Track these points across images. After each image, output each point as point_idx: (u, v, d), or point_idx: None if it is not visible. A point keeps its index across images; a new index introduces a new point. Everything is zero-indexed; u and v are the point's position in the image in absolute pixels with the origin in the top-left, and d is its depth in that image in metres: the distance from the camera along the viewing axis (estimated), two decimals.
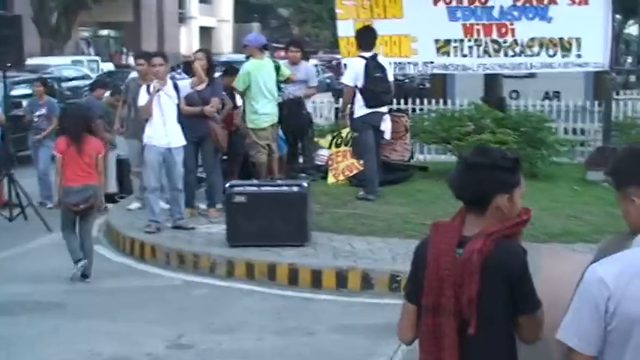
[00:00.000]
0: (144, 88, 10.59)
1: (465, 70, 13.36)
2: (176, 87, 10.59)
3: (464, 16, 13.06)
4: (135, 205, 11.96)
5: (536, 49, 12.88)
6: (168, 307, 8.41)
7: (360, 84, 11.47)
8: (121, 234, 10.71)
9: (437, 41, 13.18)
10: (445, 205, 10.86)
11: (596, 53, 12.71)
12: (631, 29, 39.92)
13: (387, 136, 12.10)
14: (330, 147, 13.23)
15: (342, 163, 12.81)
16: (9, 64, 12.73)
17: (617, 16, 13.38)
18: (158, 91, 10.33)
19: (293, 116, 12.47)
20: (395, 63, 13.13)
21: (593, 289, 2.77)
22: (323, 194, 11.47)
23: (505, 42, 12.94)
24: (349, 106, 11.84)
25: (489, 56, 13.04)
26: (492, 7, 12.92)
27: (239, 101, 12.02)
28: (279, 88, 12.05)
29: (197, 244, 9.87)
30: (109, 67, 32.67)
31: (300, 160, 13.14)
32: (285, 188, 9.74)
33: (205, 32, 60.21)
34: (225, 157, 12.14)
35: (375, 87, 11.50)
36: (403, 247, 9.34)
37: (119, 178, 13.41)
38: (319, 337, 7.48)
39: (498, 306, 3.36)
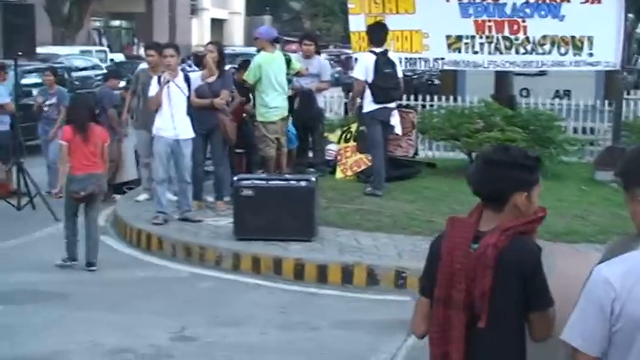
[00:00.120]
0: (155, 79, 10.59)
1: (476, 66, 13.34)
2: (187, 79, 10.59)
3: (476, 13, 13.04)
4: (143, 196, 11.97)
5: (547, 47, 12.85)
6: (173, 299, 8.42)
7: (369, 79, 11.45)
8: (128, 225, 10.72)
9: (448, 37, 13.16)
10: (452, 203, 10.90)
11: (607, 52, 12.69)
12: None
13: (398, 130, 12.09)
14: (339, 142, 13.22)
15: (351, 159, 12.80)
16: (20, 53, 12.74)
17: (630, 16, 13.29)
18: (168, 82, 10.33)
19: (305, 109, 12.47)
20: (406, 59, 13.14)
21: (599, 290, 2.76)
22: (330, 189, 11.47)
23: (517, 39, 12.91)
24: (358, 100, 11.82)
25: (500, 53, 13.01)
26: (505, 4, 12.89)
27: None
28: (289, 81, 12.04)
29: (204, 237, 9.87)
30: (119, 57, 32.65)
31: (310, 154, 13.13)
32: (293, 183, 9.73)
33: (217, 24, 60.20)
34: (239, 151, 12.14)
35: (385, 83, 11.49)
36: (409, 243, 9.35)
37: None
38: (323, 332, 7.48)
39: (510, 301, 3.38)
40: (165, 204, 10.54)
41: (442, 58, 13.34)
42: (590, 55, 12.74)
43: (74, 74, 21.17)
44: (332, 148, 13.26)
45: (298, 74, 12.49)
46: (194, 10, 56.25)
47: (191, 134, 10.58)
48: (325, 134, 13.37)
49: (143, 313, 7.91)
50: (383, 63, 11.51)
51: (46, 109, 13.51)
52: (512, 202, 3.44)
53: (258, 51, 12.22)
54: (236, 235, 9.60)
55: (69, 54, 23.98)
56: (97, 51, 29.73)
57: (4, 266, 9.41)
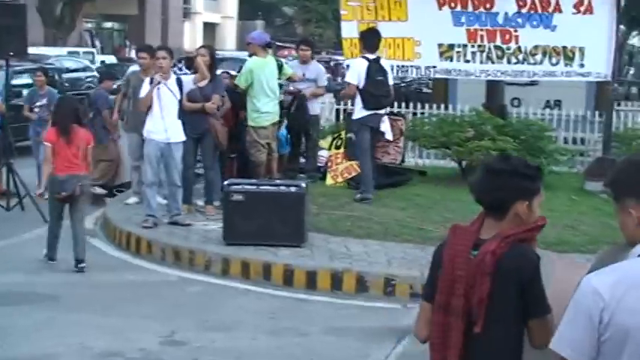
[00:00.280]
0: (147, 80, 10.58)
1: (468, 75, 13.37)
2: (179, 82, 10.58)
3: (468, 22, 13.06)
4: (132, 199, 11.94)
5: (539, 57, 12.89)
6: (162, 303, 8.40)
7: (360, 85, 11.48)
8: (117, 228, 10.70)
9: (440, 45, 13.18)
10: (442, 210, 10.94)
11: (599, 63, 12.73)
12: (634, 40, 39.97)
13: (389, 136, 12.13)
14: (329, 148, 13.24)
15: (342, 165, 12.81)
16: (12, 53, 12.72)
17: (622, 27, 13.33)
18: (159, 84, 10.32)
19: (300, 115, 12.49)
20: (398, 66, 13.15)
21: (588, 300, 2.76)
22: (321, 195, 11.48)
23: (508, 49, 12.95)
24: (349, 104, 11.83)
25: (492, 62, 13.04)
26: (497, 14, 12.93)
27: None
28: (280, 86, 12.05)
29: (193, 241, 9.86)
30: (110, 59, 32.58)
31: (302, 160, 13.13)
32: (283, 188, 9.73)
33: (209, 28, 60.16)
34: (232, 156, 12.13)
35: (376, 90, 11.51)
36: (399, 250, 9.37)
37: None
38: (312, 338, 7.48)
39: (508, 308, 3.42)
40: (155, 207, 10.53)
41: (434, 67, 13.37)
42: (582, 65, 12.78)
43: (64, 76, 21.12)
44: (323, 154, 13.27)
45: (290, 79, 12.51)
46: (186, 14, 56.21)
47: (182, 138, 10.58)
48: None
49: (132, 316, 7.89)
50: (375, 70, 11.54)
51: (36, 110, 13.47)
52: (513, 211, 3.49)
53: (250, 56, 12.23)
54: (226, 239, 9.59)
55: (57, 55, 23.88)
56: (84, 52, 29.58)
57: None
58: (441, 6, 13.10)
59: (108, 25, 50.84)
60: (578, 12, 12.70)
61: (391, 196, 11.80)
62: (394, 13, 13.30)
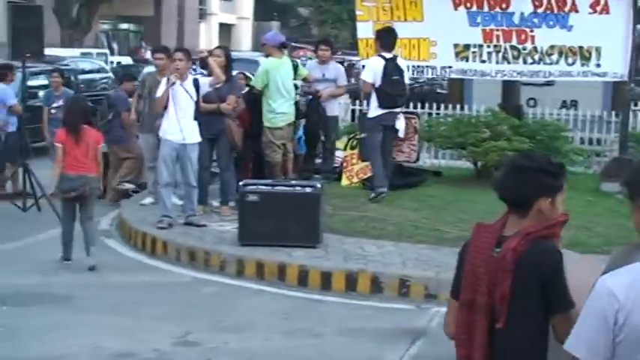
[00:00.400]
0: (164, 81, 10.59)
1: (483, 75, 13.32)
2: (196, 84, 10.59)
3: (484, 22, 13.02)
4: (148, 200, 11.97)
5: (555, 57, 12.83)
6: (177, 303, 8.42)
7: (377, 84, 11.49)
8: (133, 229, 10.73)
9: (456, 46, 13.14)
10: (457, 212, 10.91)
11: (615, 63, 12.66)
12: None
13: (401, 134, 12.12)
14: (345, 149, 13.22)
15: (357, 166, 12.80)
16: (28, 54, 12.78)
17: (639, 27, 13.28)
18: (173, 84, 10.33)
19: (315, 115, 12.49)
20: (413, 66, 13.12)
21: (603, 301, 2.76)
22: (335, 196, 11.45)
23: (524, 49, 12.89)
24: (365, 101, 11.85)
25: (508, 63, 12.99)
26: (513, 14, 12.88)
27: None
28: (296, 87, 12.05)
29: (208, 242, 9.87)
30: (126, 60, 32.61)
31: (318, 160, 13.13)
32: (298, 189, 9.72)
33: (225, 29, 60.25)
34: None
35: (392, 89, 11.53)
36: (414, 252, 9.36)
37: None
38: (326, 339, 7.47)
39: (529, 304, 3.44)
40: (170, 208, 10.54)
41: (450, 67, 13.33)
42: (598, 65, 12.71)
43: (80, 77, 21.17)
44: (338, 154, 13.26)
45: (305, 80, 12.51)
46: (202, 15, 56.30)
47: (198, 139, 10.59)
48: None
49: (146, 317, 7.90)
50: (392, 69, 11.56)
51: (53, 111, 13.53)
52: (536, 208, 3.51)
53: (267, 56, 12.23)
54: (240, 240, 9.59)
55: (71, 56, 23.92)
56: (97, 54, 29.62)
57: (8, 267, 9.42)
58: (456, 6, 13.06)
59: (124, 26, 50.97)
60: (595, 12, 12.63)
61: (405, 197, 11.78)
62: (410, 13, 13.27)
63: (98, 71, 23.48)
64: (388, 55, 11.66)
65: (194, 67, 12.97)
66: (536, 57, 12.87)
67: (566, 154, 12.92)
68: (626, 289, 2.73)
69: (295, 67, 12.06)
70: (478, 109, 14.74)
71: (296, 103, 12.03)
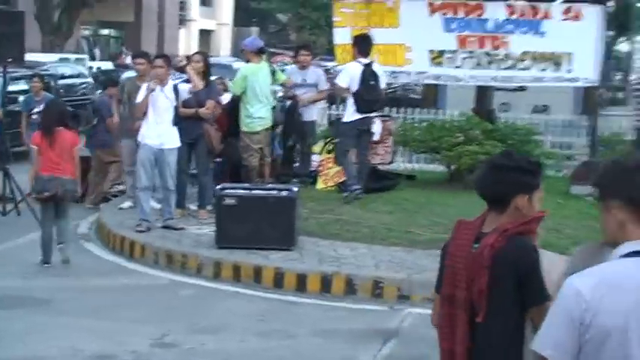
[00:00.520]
0: (144, 86, 10.70)
1: (457, 81, 13.51)
2: (176, 90, 10.73)
3: (459, 28, 13.20)
4: (127, 204, 12.07)
5: (528, 62, 13.03)
6: (154, 306, 8.52)
7: (353, 89, 11.63)
8: (111, 232, 10.83)
9: (431, 52, 13.31)
10: (430, 215, 11.07)
11: (586, 69, 12.88)
12: (621, 46, 40.10)
13: (376, 137, 12.28)
14: (321, 153, 13.37)
15: (333, 170, 12.95)
16: (9, 60, 12.84)
17: (610, 33, 13.51)
18: (152, 90, 10.47)
19: (293, 119, 12.63)
20: (389, 72, 13.27)
21: (570, 301, 2.80)
22: (311, 199, 11.59)
23: (497, 55, 13.08)
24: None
25: (482, 68, 13.17)
26: (487, 20, 13.08)
27: None
28: (273, 92, 12.20)
29: (186, 245, 9.99)
30: (106, 65, 32.57)
31: (296, 164, 13.26)
32: (274, 193, 9.87)
33: (205, 35, 60.14)
34: (218, 160, 12.24)
35: (368, 95, 11.67)
36: (387, 254, 9.51)
37: None
38: (301, 340, 7.61)
39: (507, 299, 3.56)
40: (149, 212, 10.65)
41: (424, 72, 13.51)
42: (569, 71, 12.93)
43: (59, 82, 21.19)
44: (314, 158, 13.40)
45: (283, 85, 12.66)
46: (182, 21, 56.18)
47: (176, 144, 10.70)
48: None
49: (124, 320, 8.00)
50: (368, 74, 11.69)
51: (34, 116, 13.59)
52: (514, 205, 3.65)
53: (248, 62, 12.37)
54: (218, 243, 9.71)
55: (50, 61, 23.87)
56: (76, 59, 29.55)
57: None
58: (432, 12, 13.23)
59: (105, 32, 50.88)
60: (567, 18, 12.84)
61: (379, 200, 11.94)
62: (386, 19, 13.43)
63: (78, 76, 23.47)
64: (365, 61, 11.82)
65: (175, 72, 13.10)
66: (509, 63, 13.07)
67: (536, 157, 13.10)
68: (593, 290, 2.78)
69: (273, 73, 12.20)
70: (452, 113, 14.91)
71: (273, 109, 12.17)
